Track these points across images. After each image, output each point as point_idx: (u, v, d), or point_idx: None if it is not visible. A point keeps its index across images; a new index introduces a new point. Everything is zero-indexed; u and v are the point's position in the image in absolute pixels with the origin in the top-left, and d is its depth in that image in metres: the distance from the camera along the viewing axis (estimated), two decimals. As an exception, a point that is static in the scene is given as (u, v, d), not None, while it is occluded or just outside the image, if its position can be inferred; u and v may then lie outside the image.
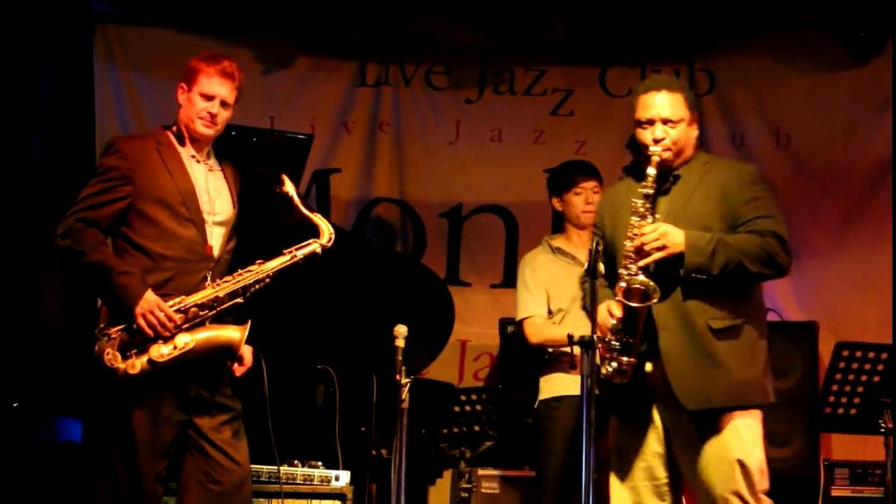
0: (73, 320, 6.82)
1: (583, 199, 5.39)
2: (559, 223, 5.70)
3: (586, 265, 4.33)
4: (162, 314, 4.00)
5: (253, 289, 4.15)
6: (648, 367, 4.10)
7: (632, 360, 4.07)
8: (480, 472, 5.61)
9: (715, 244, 4.01)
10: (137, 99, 7.14)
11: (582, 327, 5.07)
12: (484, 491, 5.61)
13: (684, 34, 7.20)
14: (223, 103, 4.23)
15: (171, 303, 4.03)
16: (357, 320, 5.56)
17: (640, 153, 4.22)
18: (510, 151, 7.27)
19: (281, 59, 7.18)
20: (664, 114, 4.16)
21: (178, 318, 4.03)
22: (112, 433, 4.09)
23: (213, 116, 4.20)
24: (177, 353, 4.01)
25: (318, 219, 4.26)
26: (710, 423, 4.06)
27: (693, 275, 4.02)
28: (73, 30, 7.02)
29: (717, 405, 4.02)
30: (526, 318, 5.36)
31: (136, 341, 4.00)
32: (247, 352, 4.20)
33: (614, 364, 4.09)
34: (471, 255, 7.26)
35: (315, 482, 5.01)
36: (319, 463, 5.12)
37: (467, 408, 5.07)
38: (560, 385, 5.25)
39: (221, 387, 4.21)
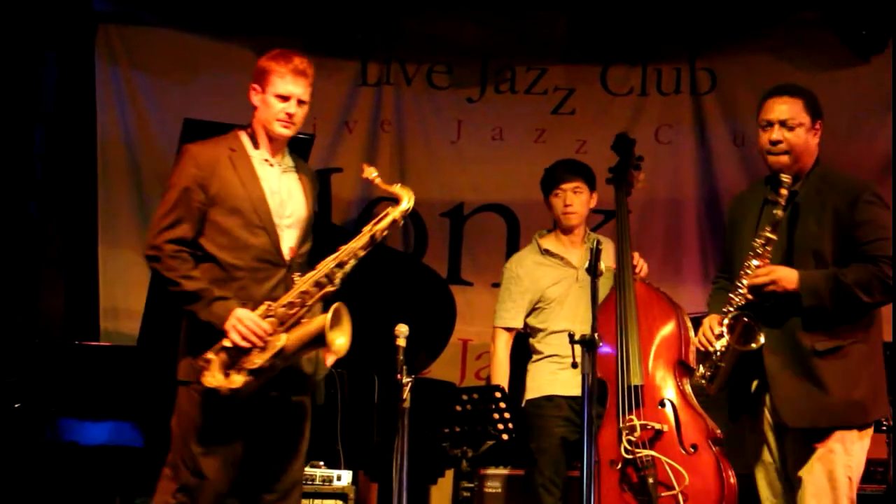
0: (74, 320, 6.83)
1: (561, 202, 5.36)
2: (559, 222, 5.71)
3: (587, 264, 4.36)
4: (250, 322, 3.95)
5: (339, 273, 4.05)
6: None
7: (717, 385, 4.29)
8: (482, 471, 5.61)
9: (832, 285, 4.07)
10: (139, 99, 7.14)
11: (565, 327, 5.13)
12: (486, 490, 5.61)
13: (686, 32, 7.20)
14: (299, 102, 4.15)
15: (258, 311, 3.99)
16: (358, 320, 5.55)
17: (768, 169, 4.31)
18: (511, 150, 7.27)
19: (282, 58, 7.17)
20: (782, 116, 4.21)
21: (267, 323, 3.98)
22: (185, 445, 4.06)
23: (291, 116, 4.13)
24: (270, 354, 3.96)
25: (397, 188, 4.17)
26: (812, 440, 4.13)
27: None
28: (76, 30, 7.02)
29: (820, 425, 4.10)
30: (498, 329, 5.38)
31: (235, 357, 3.97)
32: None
33: (703, 374, 4.30)
34: (472, 255, 7.27)
35: (317, 482, 5.02)
36: (321, 462, 5.12)
37: (469, 407, 5.06)
38: (547, 384, 5.26)
39: (298, 395, 4.17)
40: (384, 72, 7.37)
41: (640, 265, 5.22)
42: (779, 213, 4.08)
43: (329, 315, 3.95)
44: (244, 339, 3.95)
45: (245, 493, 4.15)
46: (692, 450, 4.78)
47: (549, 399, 5.23)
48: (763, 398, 4.26)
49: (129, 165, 7.11)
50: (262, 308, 4.00)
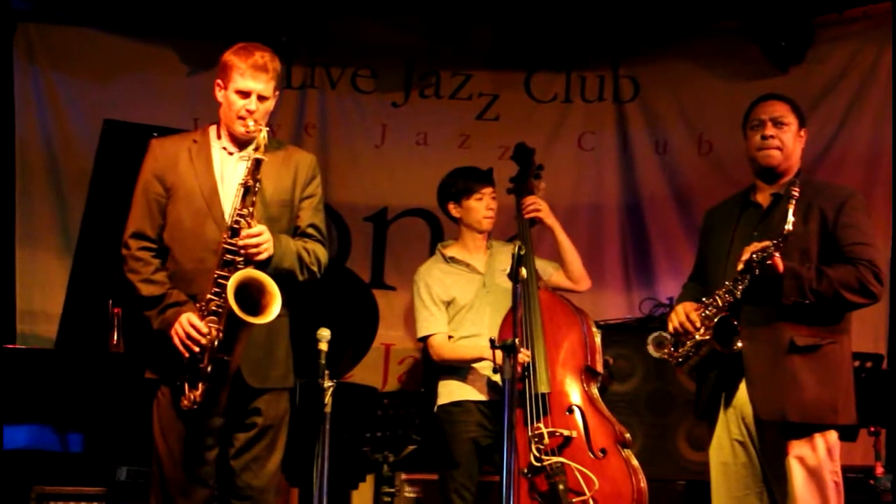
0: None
1: (484, 205, 5.44)
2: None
3: (509, 269, 4.38)
4: (186, 325, 3.93)
5: (237, 240, 3.93)
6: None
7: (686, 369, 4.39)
8: (404, 476, 5.61)
9: (814, 274, 4.13)
10: (58, 99, 7.03)
11: (474, 333, 5.16)
12: (407, 495, 5.61)
13: (609, 40, 7.25)
14: (260, 97, 4.09)
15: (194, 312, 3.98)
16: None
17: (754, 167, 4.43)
18: (436, 155, 7.27)
19: (205, 60, 7.10)
20: (774, 114, 4.33)
21: (202, 323, 3.93)
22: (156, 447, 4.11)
23: (250, 113, 4.06)
24: (208, 354, 3.92)
25: (251, 127, 4.06)
26: (786, 436, 4.16)
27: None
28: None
29: (790, 419, 4.14)
30: (429, 337, 5.38)
31: (195, 367, 3.95)
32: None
33: (671, 354, 4.37)
34: (395, 259, 7.25)
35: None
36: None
37: (391, 412, 5.06)
38: (458, 390, 5.29)
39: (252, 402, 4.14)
40: (308, 75, 7.33)
41: (537, 203, 5.33)
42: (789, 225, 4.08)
43: (231, 292, 3.86)
44: (183, 345, 3.93)
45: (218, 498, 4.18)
46: (601, 454, 4.84)
47: (460, 404, 5.25)
48: (730, 397, 4.30)
49: (48, 166, 7.00)
50: (197, 306, 3.99)
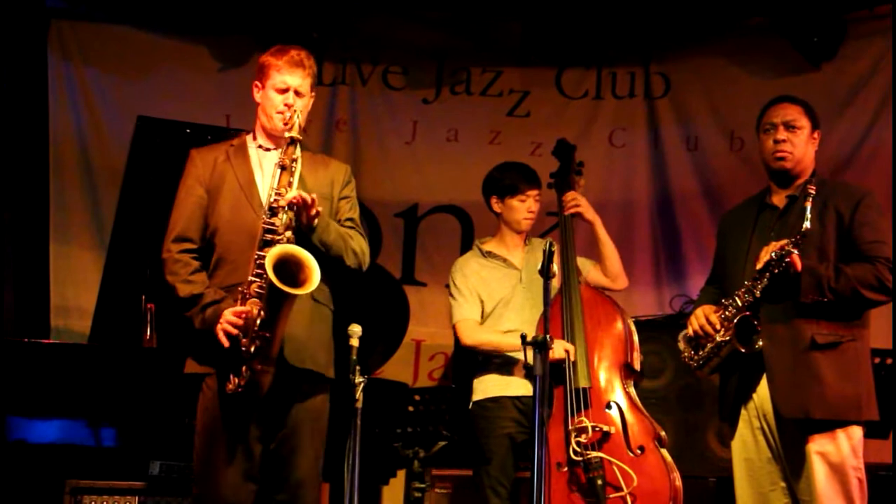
0: (24, 317, 6.77)
1: (526, 207, 5.39)
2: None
3: (539, 266, 4.38)
4: (230, 316, 3.95)
5: (278, 221, 3.96)
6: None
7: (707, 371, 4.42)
8: (434, 471, 5.61)
9: (832, 273, 4.15)
10: (92, 96, 7.09)
11: (513, 328, 5.15)
12: (438, 491, 5.62)
13: (640, 37, 7.24)
14: (297, 93, 4.15)
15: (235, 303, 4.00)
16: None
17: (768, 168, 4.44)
18: (466, 152, 7.29)
19: (237, 57, 7.16)
20: (786, 118, 4.33)
21: (242, 309, 3.94)
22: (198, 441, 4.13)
23: (289, 107, 4.10)
24: (251, 333, 3.92)
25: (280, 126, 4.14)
26: (808, 432, 4.17)
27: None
28: (28, 25, 6.96)
29: (813, 416, 4.14)
30: (458, 321, 5.37)
31: (237, 356, 3.97)
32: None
33: (692, 357, 4.41)
34: (426, 255, 7.27)
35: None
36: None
37: (421, 407, 5.07)
38: (494, 386, 5.28)
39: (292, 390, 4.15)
40: (340, 72, 7.36)
41: (577, 199, 5.37)
42: (807, 225, 4.11)
43: (269, 264, 3.86)
44: (227, 333, 3.94)
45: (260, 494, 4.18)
46: (639, 451, 4.83)
47: (496, 400, 5.24)
48: (750, 393, 4.32)
49: (82, 163, 7.06)
50: (237, 293, 4.00)
